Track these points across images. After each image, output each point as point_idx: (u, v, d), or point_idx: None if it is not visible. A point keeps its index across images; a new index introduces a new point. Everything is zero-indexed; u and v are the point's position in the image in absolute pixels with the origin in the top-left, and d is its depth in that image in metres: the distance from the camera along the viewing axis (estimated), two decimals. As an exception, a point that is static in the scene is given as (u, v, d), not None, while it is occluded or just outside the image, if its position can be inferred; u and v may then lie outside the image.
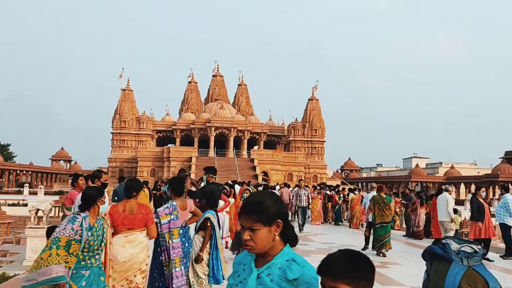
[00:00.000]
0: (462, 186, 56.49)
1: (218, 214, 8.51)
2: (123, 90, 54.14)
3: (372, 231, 10.63)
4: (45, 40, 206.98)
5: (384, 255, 10.05)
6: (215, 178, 6.98)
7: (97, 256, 3.69)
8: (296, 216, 18.45)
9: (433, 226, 13.90)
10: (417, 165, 66.89)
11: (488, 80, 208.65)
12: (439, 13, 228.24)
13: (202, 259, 5.01)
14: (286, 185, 19.66)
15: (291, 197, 16.49)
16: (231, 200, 9.57)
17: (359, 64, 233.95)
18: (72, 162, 75.42)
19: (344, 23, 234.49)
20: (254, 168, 46.82)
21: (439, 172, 70.46)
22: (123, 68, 55.09)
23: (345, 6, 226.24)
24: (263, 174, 46.68)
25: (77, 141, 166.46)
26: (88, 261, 3.60)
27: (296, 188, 16.22)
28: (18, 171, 61.97)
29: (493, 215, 10.84)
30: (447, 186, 13.34)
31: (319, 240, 12.89)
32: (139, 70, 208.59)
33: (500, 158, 52.20)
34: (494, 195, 49.67)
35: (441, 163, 76.95)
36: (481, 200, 10.19)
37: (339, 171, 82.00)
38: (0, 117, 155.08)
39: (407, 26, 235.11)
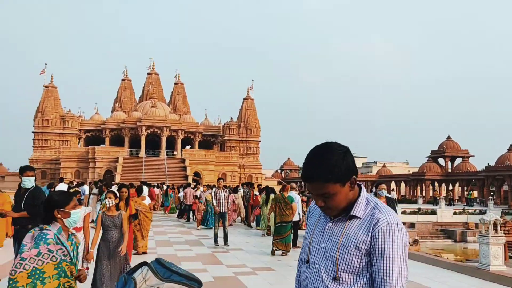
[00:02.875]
0: (393, 184, 58.63)
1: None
2: (46, 86, 50.95)
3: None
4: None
5: (273, 254, 10.04)
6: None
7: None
8: (207, 223, 15.93)
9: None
10: (351, 164, 68.29)
11: (423, 84, 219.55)
12: (375, 19, 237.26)
13: None
14: (189, 185, 18.54)
15: (211, 200, 13.38)
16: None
17: (299, 65, 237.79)
18: (-4, 163, 70.21)
19: (284, 24, 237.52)
20: (184, 168, 45.51)
21: (372, 171, 72.52)
22: (46, 63, 51.77)
23: (286, 7, 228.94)
24: (194, 174, 45.49)
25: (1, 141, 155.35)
26: None
27: (214, 189, 13.37)
28: None
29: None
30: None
31: (209, 245, 12.05)
32: (67, 66, 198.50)
33: (427, 157, 54.28)
34: (421, 192, 51.80)
35: (375, 162, 79.36)
36: (383, 197, 9.52)
37: (279, 171, 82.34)
38: None
39: (348, 29, 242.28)
